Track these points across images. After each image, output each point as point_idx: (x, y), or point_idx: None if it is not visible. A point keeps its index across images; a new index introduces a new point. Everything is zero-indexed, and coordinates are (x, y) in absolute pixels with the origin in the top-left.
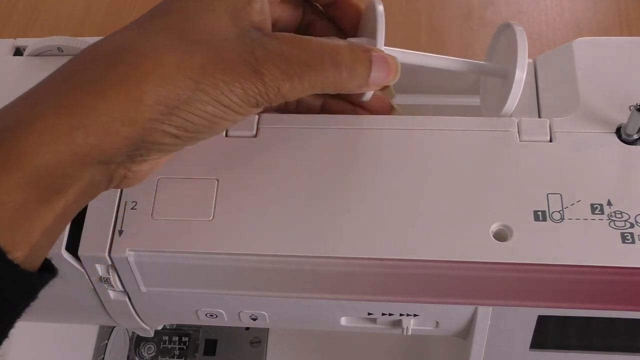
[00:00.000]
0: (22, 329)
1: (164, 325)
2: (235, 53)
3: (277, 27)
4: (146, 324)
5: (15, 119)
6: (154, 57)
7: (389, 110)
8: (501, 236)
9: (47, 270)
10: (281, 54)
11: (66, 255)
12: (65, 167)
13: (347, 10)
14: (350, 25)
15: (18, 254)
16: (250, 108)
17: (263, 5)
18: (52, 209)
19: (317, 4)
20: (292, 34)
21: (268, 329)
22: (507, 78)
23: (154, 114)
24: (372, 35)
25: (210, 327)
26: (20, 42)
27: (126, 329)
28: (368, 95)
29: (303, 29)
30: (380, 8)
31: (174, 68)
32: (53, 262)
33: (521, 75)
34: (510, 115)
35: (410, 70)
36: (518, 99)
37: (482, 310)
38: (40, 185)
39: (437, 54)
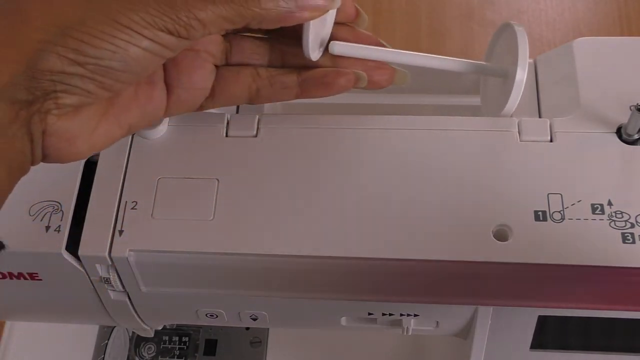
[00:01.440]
0: (22, 329)
1: (164, 325)
2: None
3: None
4: (146, 324)
5: None
6: None
7: (392, 76)
8: (501, 236)
9: None
10: None
11: (66, 255)
12: None
13: None
14: None
15: None
16: (164, 35)
17: None
18: None
19: None
20: None
21: (268, 329)
22: (507, 78)
23: (44, 35)
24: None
25: (210, 327)
26: None
27: (126, 329)
28: (313, 53)
29: None
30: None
31: None
32: (53, 261)
33: (522, 75)
34: (511, 115)
35: (410, 70)
36: (518, 100)
37: (482, 310)
38: None
39: (437, 54)
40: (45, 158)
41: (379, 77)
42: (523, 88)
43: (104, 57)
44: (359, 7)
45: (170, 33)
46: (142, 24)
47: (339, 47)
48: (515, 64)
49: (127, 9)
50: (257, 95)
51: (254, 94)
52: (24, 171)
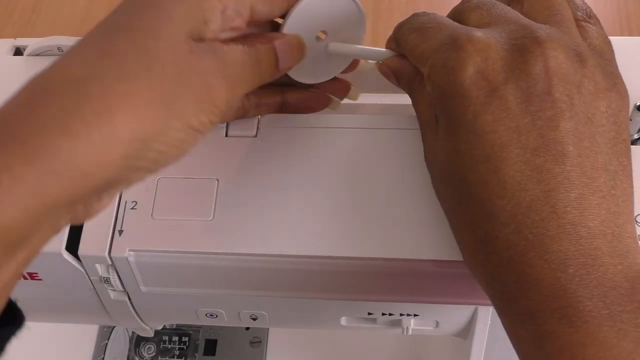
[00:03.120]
0: (22, 329)
1: (164, 325)
2: (197, 72)
3: None
4: (146, 324)
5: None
6: (122, 87)
7: (348, 88)
8: None
9: (10, 321)
10: (222, 67)
11: (66, 255)
12: (32, 217)
13: None
14: None
15: None
16: (212, 125)
17: (221, 24)
18: (15, 259)
19: None
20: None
21: (268, 329)
22: None
23: (129, 150)
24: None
25: (210, 327)
26: (20, 42)
27: (126, 329)
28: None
29: None
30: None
31: (145, 97)
32: (53, 261)
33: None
34: None
35: None
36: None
37: (482, 310)
38: (4, 240)
39: None
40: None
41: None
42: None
43: (170, 162)
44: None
45: (217, 122)
46: (206, 123)
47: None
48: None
49: (199, 111)
50: (243, 115)
51: (240, 114)
52: None
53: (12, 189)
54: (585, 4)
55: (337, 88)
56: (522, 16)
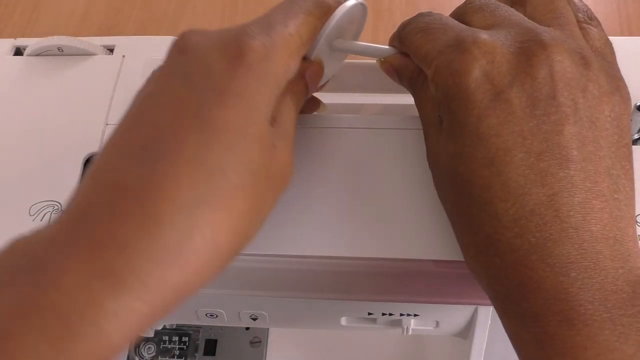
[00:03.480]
0: None
1: (164, 325)
2: (277, 163)
3: None
4: None
5: (93, 306)
6: (221, 202)
7: (318, 104)
8: None
9: None
10: (290, 142)
11: None
12: (135, 335)
13: None
14: None
15: None
16: None
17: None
18: None
19: None
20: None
21: (268, 329)
22: None
23: (229, 259)
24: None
25: (210, 327)
26: (20, 42)
27: None
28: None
29: None
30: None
31: (240, 209)
32: None
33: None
34: None
35: None
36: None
37: (482, 310)
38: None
39: None
40: None
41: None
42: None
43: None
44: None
45: None
46: None
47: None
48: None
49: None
50: None
51: None
52: None
53: (125, 319)
54: (586, 5)
55: (310, 104)
56: (525, 18)
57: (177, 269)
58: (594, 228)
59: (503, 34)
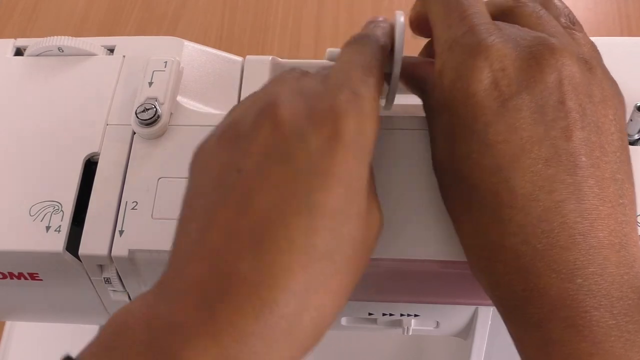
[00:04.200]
0: (22, 329)
1: None
2: (366, 242)
3: None
4: None
5: None
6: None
7: None
8: None
9: None
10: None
11: (66, 256)
12: None
13: None
14: None
15: None
16: None
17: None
18: None
19: None
20: None
21: None
22: None
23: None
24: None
25: None
26: (20, 42)
27: None
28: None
29: None
30: (401, 20)
31: (340, 290)
32: (53, 261)
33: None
34: None
35: None
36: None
37: (482, 310)
38: None
39: None
40: None
41: None
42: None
43: None
44: None
45: None
46: None
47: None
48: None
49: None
50: None
51: None
52: None
53: None
54: (567, 8)
55: None
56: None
57: (288, 346)
58: (600, 234)
59: (513, 37)
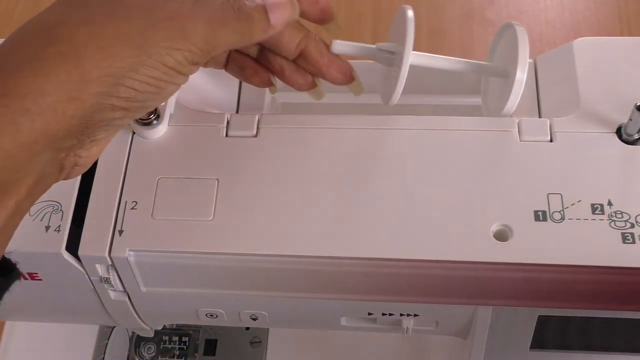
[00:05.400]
0: (22, 329)
1: (164, 325)
2: (166, 13)
3: None
4: (146, 324)
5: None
6: (88, 29)
7: (350, 76)
8: (501, 236)
9: (6, 272)
10: (196, 8)
11: (66, 256)
12: (13, 160)
13: None
14: None
15: None
16: (192, 66)
17: None
18: (3, 208)
19: None
20: None
21: (268, 329)
22: (508, 78)
23: (101, 87)
24: (401, 40)
25: (210, 327)
26: None
27: (126, 329)
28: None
29: None
30: (410, 14)
31: (112, 38)
32: (53, 261)
33: (522, 76)
34: (511, 116)
35: (410, 70)
36: (518, 99)
37: (482, 310)
38: None
39: (437, 54)
40: (67, 177)
41: (335, 75)
42: (523, 88)
43: (148, 99)
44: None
45: (197, 63)
46: (184, 62)
47: (339, 47)
48: (515, 64)
49: (173, 50)
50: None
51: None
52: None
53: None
54: None
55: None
56: None
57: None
58: None
59: None
